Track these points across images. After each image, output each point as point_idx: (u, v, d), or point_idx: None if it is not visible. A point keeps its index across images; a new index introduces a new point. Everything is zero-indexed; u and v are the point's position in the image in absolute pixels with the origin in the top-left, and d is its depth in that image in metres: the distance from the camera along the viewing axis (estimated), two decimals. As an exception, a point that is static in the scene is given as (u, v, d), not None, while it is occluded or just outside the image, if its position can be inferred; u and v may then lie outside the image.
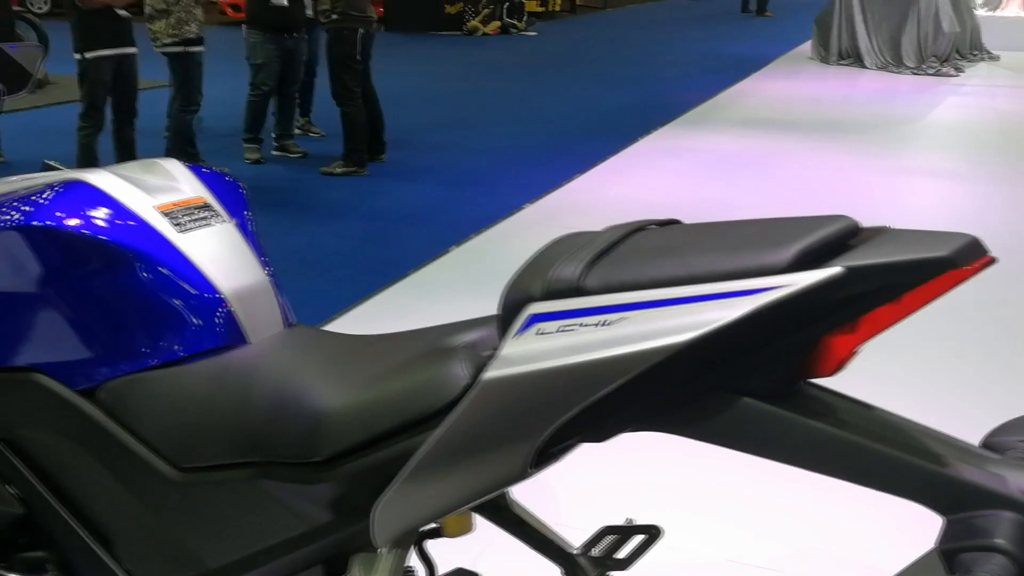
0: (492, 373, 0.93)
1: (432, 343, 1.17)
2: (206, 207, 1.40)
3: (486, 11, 18.33)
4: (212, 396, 1.25)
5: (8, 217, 1.31)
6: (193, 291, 1.31)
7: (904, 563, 0.94)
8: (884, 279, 0.87)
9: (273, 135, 7.85)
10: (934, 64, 11.97)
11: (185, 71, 6.62)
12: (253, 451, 1.18)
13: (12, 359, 1.34)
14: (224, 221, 1.41)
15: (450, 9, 18.38)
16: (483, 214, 5.89)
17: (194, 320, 1.31)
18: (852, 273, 0.86)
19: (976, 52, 13.04)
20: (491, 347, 1.15)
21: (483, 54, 14.91)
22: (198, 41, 6.61)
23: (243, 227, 1.44)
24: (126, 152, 6.28)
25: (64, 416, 1.32)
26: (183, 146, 6.78)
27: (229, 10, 18.16)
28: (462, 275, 4.89)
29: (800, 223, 0.96)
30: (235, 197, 1.48)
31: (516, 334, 0.94)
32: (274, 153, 7.77)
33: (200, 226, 1.36)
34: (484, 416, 0.96)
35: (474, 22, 18.04)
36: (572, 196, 6.43)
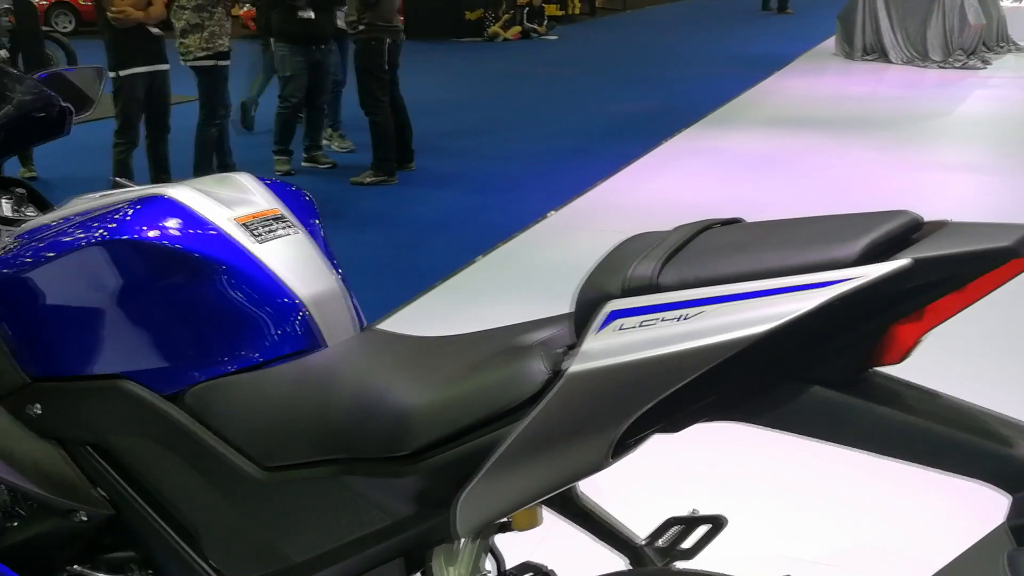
0: (578, 366, 0.98)
1: (505, 342, 1.22)
2: (280, 218, 1.45)
3: (506, 16, 18.42)
4: (295, 397, 1.30)
5: (95, 232, 1.37)
6: (273, 298, 1.37)
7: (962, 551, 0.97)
8: (950, 270, 0.91)
9: (303, 146, 7.94)
10: (960, 57, 11.92)
11: (213, 85, 6.74)
12: (336, 448, 1.23)
13: (101, 367, 1.39)
14: (297, 231, 1.46)
15: (470, 16, 18.47)
16: (513, 219, 5.94)
17: (274, 326, 1.37)
18: (919, 264, 0.90)
19: (1003, 44, 12.97)
20: (562, 344, 1.20)
21: (505, 60, 14.98)
22: (227, 55, 6.72)
23: (314, 235, 1.50)
24: (160, 167, 6.39)
25: (151, 420, 1.37)
26: (208, 159, 6.90)
27: (252, 24, 18.39)
28: (496, 280, 4.94)
29: (864, 219, 1.00)
30: (304, 207, 1.53)
31: (598, 330, 0.99)
32: (304, 165, 7.85)
33: (276, 236, 1.42)
34: (569, 408, 1.00)
35: (495, 28, 18.12)
36: (602, 199, 6.47)
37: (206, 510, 1.38)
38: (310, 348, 1.39)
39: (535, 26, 18.29)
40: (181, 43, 6.56)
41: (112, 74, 6.00)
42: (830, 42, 13.85)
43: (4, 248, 1.47)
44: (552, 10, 19.98)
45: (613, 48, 16.26)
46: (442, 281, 4.83)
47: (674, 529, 1.44)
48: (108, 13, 5.90)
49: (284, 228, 1.44)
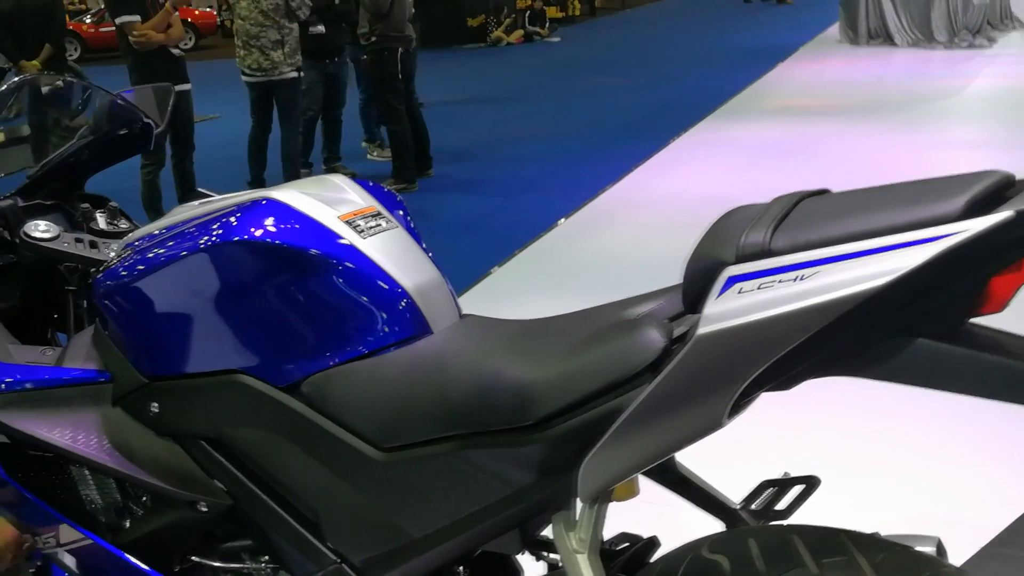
0: (705, 329, 1.04)
1: (611, 317, 1.29)
2: (378, 214, 1.53)
3: (508, 20, 18.52)
4: (412, 380, 1.37)
5: (209, 236, 1.44)
6: (381, 290, 1.44)
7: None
8: None
9: (322, 158, 8.04)
10: (966, 37, 11.96)
11: (295, 96, 6.97)
12: (457, 425, 1.30)
13: (217, 364, 1.47)
14: (395, 225, 1.54)
15: (472, 22, 18.58)
16: (537, 219, 6.01)
17: (384, 315, 1.44)
18: (1021, 216, 0.97)
19: (1007, 21, 13.00)
20: (669, 314, 1.27)
21: (511, 63, 15.07)
22: (303, 67, 6.98)
23: (409, 229, 1.57)
24: (187, 185, 6.48)
25: (269, 411, 1.44)
26: (297, 168, 7.16)
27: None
28: (528, 279, 5.01)
29: (960, 178, 1.06)
30: (394, 203, 1.60)
31: (717, 295, 1.06)
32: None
33: (377, 231, 1.49)
34: (695, 369, 1.07)
35: (498, 32, 18.22)
36: (624, 195, 6.54)
37: (325, 494, 1.44)
38: (418, 335, 1.46)
39: (537, 29, 18.38)
40: (267, 59, 6.67)
41: (137, 97, 6.09)
42: (833, 29, 13.89)
43: (115, 257, 1.55)
44: (553, 12, 20.08)
45: (616, 47, 16.34)
46: (474, 284, 4.90)
47: (768, 491, 1.50)
48: (130, 37, 5.99)
49: (383, 223, 1.51)
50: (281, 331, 1.44)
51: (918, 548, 1.21)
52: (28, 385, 1.56)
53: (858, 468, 2.84)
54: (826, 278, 1.01)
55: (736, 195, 5.70)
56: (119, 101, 1.93)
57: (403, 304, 1.45)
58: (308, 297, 1.43)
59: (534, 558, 1.64)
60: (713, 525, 1.52)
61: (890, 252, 0.99)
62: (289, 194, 1.49)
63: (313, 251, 1.42)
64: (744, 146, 7.64)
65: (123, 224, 1.86)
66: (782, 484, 1.49)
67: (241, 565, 1.62)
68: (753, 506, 1.51)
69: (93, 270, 1.82)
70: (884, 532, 1.28)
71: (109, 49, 19.33)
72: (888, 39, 12.55)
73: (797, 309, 1.00)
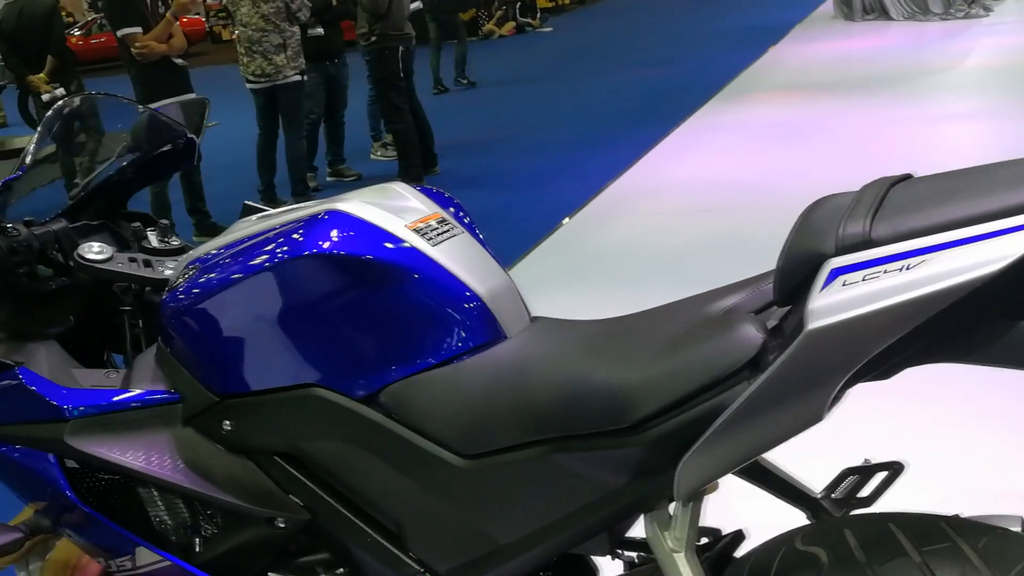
0: (815, 324, 1.03)
1: (698, 312, 1.28)
2: (443, 220, 1.51)
3: (499, 13, 18.47)
4: (494, 386, 1.35)
5: (278, 251, 1.43)
6: (455, 296, 1.43)
7: None
8: None
9: (327, 161, 8.03)
10: (962, 7, 11.93)
11: (298, 99, 6.92)
12: (544, 429, 1.29)
13: (292, 378, 1.45)
14: (461, 231, 1.52)
15: (463, 16, 18.52)
16: (549, 212, 6.00)
17: (459, 322, 1.43)
18: None
19: (1001, -11, 12.96)
20: (754, 308, 1.26)
21: (505, 56, 15.04)
22: (305, 71, 6.95)
23: (473, 234, 1.56)
24: (195, 195, 6.46)
25: (347, 423, 1.43)
26: (303, 173, 7.10)
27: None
28: (549, 274, 4.98)
29: None
30: (456, 208, 1.59)
31: (821, 288, 1.05)
32: (329, 179, 7.92)
33: (446, 238, 1.48)
34: (802, 364, 1.06)
35: (489, 25, 18.18)
36: (635, 183, 6.52)
37: (407, 504, 1.43)
38: (493, 340, 1.45)
39: (529, 20, 18.35)
40: (269, 64, 6.64)
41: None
42: (827, 6, 13.87)
43: (180, 277, 1.53)
44: (543, 2, 20.05)
45: (610, 34, 16.31)
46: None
47: (850, 479, 1.49)
48: (132, 49, 5.97)
49: (450, 229, 1.50)
50: (356, 343, 1.43)
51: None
52: (100, 410, 1.54)
53: (924, 451, 2.82)
54: (935, 266, 0.99)
55: (749, 177, 5.73)
56: (161, 117, 1.91)
57: (477, 310, 1.44)
58: (382, 308, 1.41)
59: (610, 557, 1.63)
60: (787, 517, 1.50)
61: (1001, 237, 0.98)
62: (354, 205, 1.47)
63: (385, 261, 1.40)
64: (750, 128, 7.63)
65: (175, 241, 1.84)
66: (865, 471, 1.48)
67: (315, 579, 1.62)
68: (835, 495, 1.50)
69: (148, 289, 1.81)
70: (964, 514, 1.27)
71: (98, 62, 19.41)
72: (883, 13, 12.53)
73: (908, 299, 0.99)
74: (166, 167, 1.97)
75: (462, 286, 1.43)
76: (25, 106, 11.85)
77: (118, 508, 1.62)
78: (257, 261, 1.44)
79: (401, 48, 7.26)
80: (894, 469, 1.45)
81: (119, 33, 5.99)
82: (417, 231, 1.45)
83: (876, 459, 1.49)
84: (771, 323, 1.21)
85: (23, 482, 1.66)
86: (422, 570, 1.46)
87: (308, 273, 1.41)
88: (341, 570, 1.60)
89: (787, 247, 1.14)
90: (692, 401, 1.18)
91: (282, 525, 1.51)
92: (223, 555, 1.56)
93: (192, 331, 1.50)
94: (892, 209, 1.07)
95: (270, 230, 1.49)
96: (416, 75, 7.59)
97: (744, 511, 1.68)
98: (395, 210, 1.48)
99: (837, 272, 1.04)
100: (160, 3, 6.20)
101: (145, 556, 1.59)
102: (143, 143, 1.91)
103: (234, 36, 7.08)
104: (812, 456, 1.65)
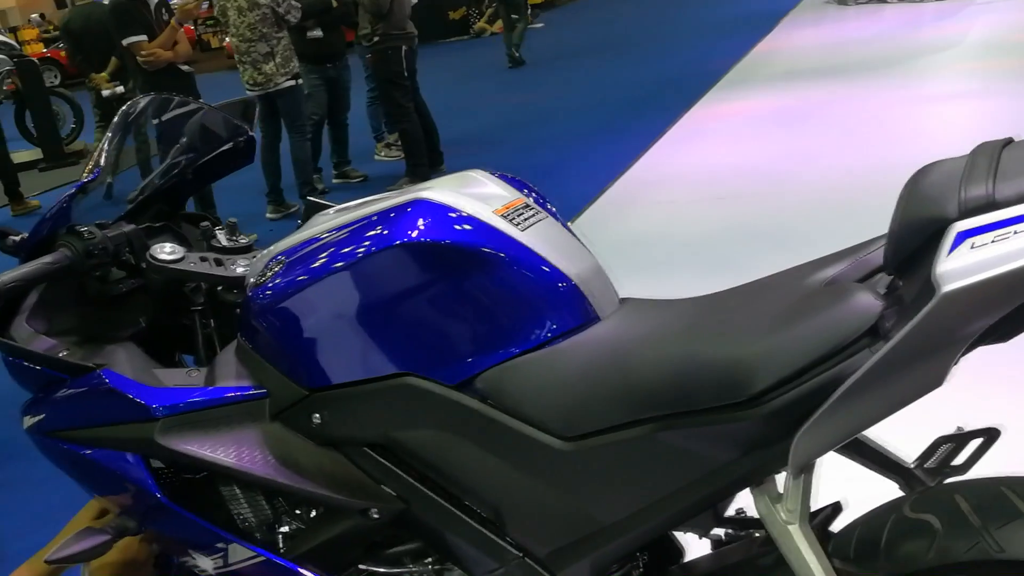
0: (950, 286, 1.03)
1: (801, 284, 1.28)
2: (528, 206, 1.51)
3: (490, 10, 18.45)
4: (594, 368, 1.35)
5: (368, 241, 1.42)
6: (547, 280, 1.43)
7: None
8: None
9: (332, 163, 8.02)
10: (955, -13, 11.94)
11: (297, 103, 6.91)
12: (650, 407, 1.28)
13: (385, 368, 1.45)
14: (546, 215, 1.52)
15: (454, 15, 18.53)
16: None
17: (552, 305, 1.43)
18: None
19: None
20: (856, 278, 1.26)
21: (499, 53, 15.00)
22: (300, 75, 6.95)
23: (557, 218, 1.56)
24: (206, 201, 6.44)
25: (443, 411, 1.43)
26: (310, 174, 7.10)
27: (238, 53, 18.42)
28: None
29: None
30: (537, 193, 1.59)
31: (949, 252, 1.05)
32: (335, 181, 7.92)
33: (533, 222, 1.48)
34: (932, 328, 1.06)
35: (480, 23, 18.17)
36: (645, 174, 6.52)
37: (506, 489, 1.43)
38: (587, 322, 1.45)
39: (516, 16, 18.30)
40: (259, 73, 6.63)
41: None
42: (819, -9, 13.89)
43: (264, 272, 1.53)
44: (533, -1, 20.02)
45: (603, 28, 16.30)
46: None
47: (944, 448, 1.50)
48: (138, 57, 5.96)
49: (536, 214, 1.50)
50: (450, 330, 1.42)
51: None
52: (188, 408, 1.54)
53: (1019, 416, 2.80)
54: None
55: (759, 164, 5.74)
56: (223, 115, 1.91)
57: (570, 293, 1.44)
58: (476, 294, 1.41)
59: (698, 536, 1.64)
60: (876, 488, 1.50)
61: None
62: (440, 193, 1.47)
63: (477, 247, 1.40)
64: (754, 115, 7.64)
65: (243, 239, 1.84)
66: (959, 439, 1.48)
67: (405, 569, 1.61)
68: (928, 464, 1.50)
69: (220, 288, 1.81)
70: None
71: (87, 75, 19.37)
72: (877, -4, 12.56)
73: None
74: (224, 167, 1.96)
75: (554, 269, 1.43)
76: (22, 120, 11.84)
77: (206, 506, 1.62)
78: (348, 252, 1.44)
79: (404, 47, 7.25)
80: (989, 435, 1.45)
81: (124, 42, 5.99)
82: (505, 216, 1.46)
83: (969, 426, 1.49)
84: (879, 291, 1.21)
85: (107, 484, 1.66)
86: (521, 555, 1.46)
87: (400, 263, 1.41)
88: (429, 560, 1.60)
89: (900, 215, 1.14)
90: (811, 372, 1.18)
91: (376, 516, 1.51)
92: (316, 548, 1.56)
93: (280, 325, 1.49)
94: (1011, 171, 1.08)
95: (356, 221, 1.48)
96: (419, 73, 7.58)
97: (829, 484, 1.69)
98: (481, 197, 1.48)
99: (964, 235, 1.04)
100: (164, 10, 6.20)
101: (237, 553, 1.58)
102: (205, 142, 1.90)
103: (226, 43, 7.11)
104: (901, 427, 1.65)
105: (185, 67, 6.23)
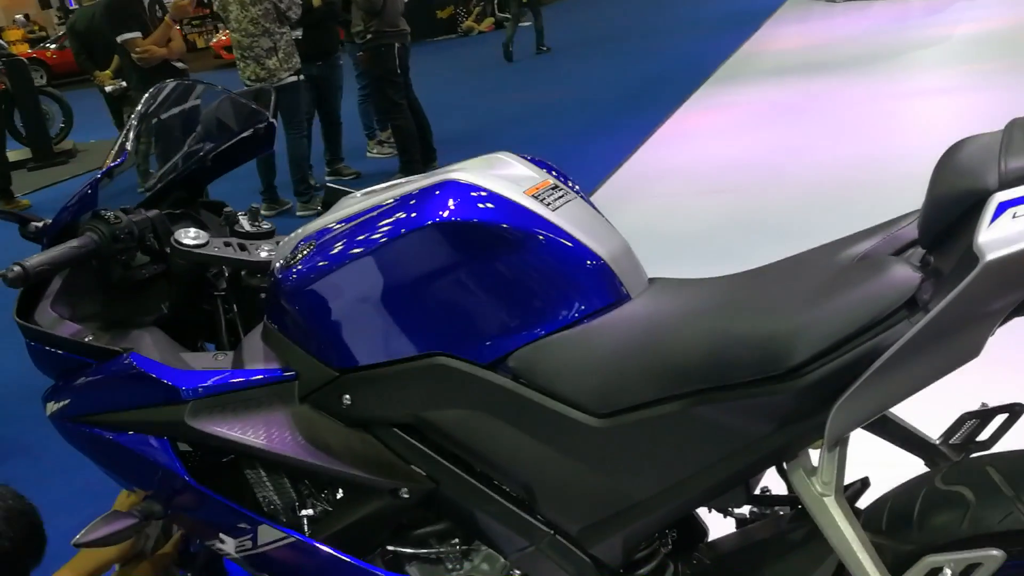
0: (994, 254, 1.04)
1: (836, 259, 1.30)
2: (556, 187, 1.52)
3: (477, 9, 18.48)
4: (628, 344, 1.36)
5: (400, 222, 1.43)
6: (578, 259, 1.44)
7: None
8: None
9: (325, 160, 8.00)
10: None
11: (297, 100, 6.88)
12: (686, 383, 1.30)
13: (417, 348, 1.46)
14: (574, 196, 1.54)
15: (441, 14, 18.52)
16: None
17: (585, 284, 1.44)
18: None
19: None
20: (889, 252, 1.28)
21: (488, 52, 15.02)
22: (302, 71, 6.91)
23: (585, 199, 1.57)
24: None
25: (474, 390, 1.44)
26: (305, 171, 7.05)
27: (224, 52, 18.36)
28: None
29: None
30: (561, 175, 1.60)
31: (990, 222, 1.06)
32: (327, 179, 7.90)
33: (563, 203, 1.49)
34: (974, 298, 1.07)
35: (468, 22, 18.18)
36: (641, 169, 6.53)
37: (538, 466, 1.44)
38: (618, 301, 1.46)
39: (508, 15, 18.31)
40: (261, 68, 6.60)
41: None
42: (807, -12, 13.94)
43: (294, 255, 1.53)
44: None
45: (592, 25, 16.32)
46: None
47: (968, 424, 1.52)
48: (133, 54, 5.94)
49: (564, 194, 1.51)
50: (482, 310, 1.43)
51: None
52: (218, 390, 1.54)
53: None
54: None
55: (753, 158, 5.76)
56: (244, 101, 1.91)
57: (601, 272, 1.45)
58: (508, 274, 1.42)
59: (723, 516, 1.65)
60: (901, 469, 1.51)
61: None
62: (470, 174, 1.48)
63: (510, 227, 1.41)
64: (747, 109, 7.67)
65: (266, 225, 1.84)
66: (984, 415, 1.50)
67: (432, 550, 1.62)
68: (953, 440, 1.52)
69: (244, 273, 1.81)
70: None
71: (73, 75, 19.31)
72: (864, -8, 12.62)
73: None
74: (244, 153, 1.96)
75: (585, 249, 1.44)
76: (11, 119, 11.77)
77: (232, 489, 1.63)
78: (379, 234, 1.44)
79: (397, 44, 7.24)
80: (1014, 411, 1.47)
81: (119, 39, 5.96)
82: (535, 197, 1.47)
83: (993, 403, 1.51)
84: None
85: (133, 468, 1.66)
86: (552, 532, 1.48)
87: (432, 243, 1.42)
88: (456, 540, 1.61)
89: (935, 188, 1.16)
90: (848, 344, 1.20)
91: (405, 496, 1.52)
92: (346, 529, 1.57)
93: (310, 307, 1.50)
94: None
95: (385, 203, 1.49)
96: (411, 70, 7.57)
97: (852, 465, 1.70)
98: (510, 178, 1.49)
99: (1006, 205, 1.06)
100: (157, 7, 6.18)
101: (266, 534, 1.59)
102: (225, 129, 1.90)
103: (212, 43, 7.07)
104: (924, 405, 1.66)
105: (179, 64, 6.21)
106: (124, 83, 6.76)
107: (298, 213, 6.94)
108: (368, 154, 8.59)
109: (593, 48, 13.36)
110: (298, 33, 7.34)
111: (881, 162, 5.51)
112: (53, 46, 21.59)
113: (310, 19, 7.42)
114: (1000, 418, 1.49)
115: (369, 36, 7.22)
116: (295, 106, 6.92)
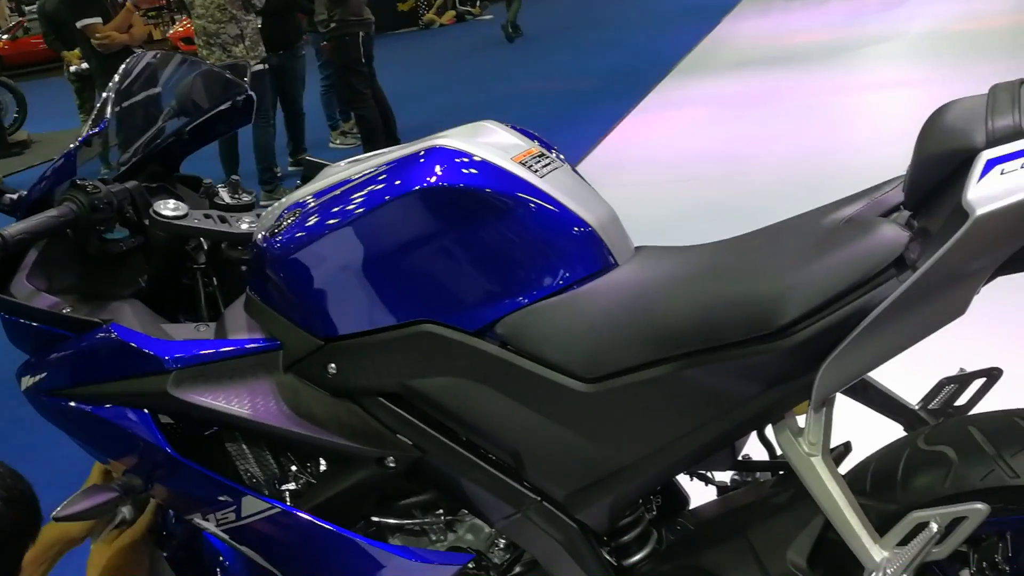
0: (984, 209, 1.07)
1: (818, 224, 1.32)
2: (543, 155, 1.53)
3: (439, 2, 18.40)
4: (618, 309, 1.37)
5: (387, 189, 1.42)
6: (567, 226, 1.44)
7: None
8: None
9: (288, 151, 7.94)
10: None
11: (262, 89, 6.79)
12: (676, 345, 1.30)
13: (403, 315, 1.45)
14: (561, 164, 1.54)
15: (402, 7, 18.42)
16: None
17: (574, 251, 1.44)
18: None
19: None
20: (882, 210, 1.30)
21: (449, 44, 14.99)
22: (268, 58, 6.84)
23: (571, 167, 1.57)
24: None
25: (462, 357, 1.43)
26: (272, 159, 7.00)
27: (181, 44, 18.11)
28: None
29: None
30: (546, 144, 1.61)
31: (979, 179, 1.09)
32: (291, 169, 7.83)
33: (550, 170, 1.49)
34: (964, 253, 1.09)
35: (430, 15, 18.10)
36: (606, 159, 6.56)
37: (525, 433, 1.44)
38: (606, 268, 1.46)
39: (469, 8, 18.31)
40: (229, 55, 6.50)
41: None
42: (766, -17, 14.06)
43: (278, 223, 1.52)
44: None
45: (553, 19, 16.29)
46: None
47: (947, 389, 1.55)
48: (93, 40, 5.86)
49: (551, 162, 1.52)
50: (470, 276, 1.43)
51: None
52: (201, 360, 1.53)
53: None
54: None
55: (718, 148, 5.81)
56: (221, 73, 1.89)
57: (589, 238, 1.46)
58: (497, 240, 1.42)
59: (704, 484, 1.67)
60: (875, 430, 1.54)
61: None
62: (458, 140, 1.48)
63: (498, 193, 1.41)
64: (710, 101, 7.73)
65: (245, 197, 1.83)
66: (962, 380, 1.53)
67: (416, 521, 1.62)
68: (932, 405, 1.55)
69: (225, 245, 1.79)
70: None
71: (26, 65, 18.99)
72: (822, -12, 12.75)
73: None
74: (221, 128, 1.94)
75: (573, 216, 1.45)
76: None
77: (218, 460, 1.61)
78: (365, 200, 1.43)
79: (361, 33, 7.20)
80: (991, 375, 1.50)
81: (79, 24, 5.88)
82: (523, 164, 1.47)
83: (970, 368, 1.55)
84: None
85: (112, 442, 1.64)
86: (539, 498, 1.48)
87: (420, 208, 1.41)
88: (440, 511, 1.62)
89: (923, 149, 1.18)
90: (838, 303, 1.21)
91: (392, 465, 1.52)
92: (332, 499, 1.56)
93: (295, 276, 1.49)
94: None
95: (372, 170, 1.48)
96: (376, 59, 7.53)
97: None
98: (498, 145, 1.50)
99: (994, 162, 1.08)
100: (118, -7, 6.11)
101: (250, 506, 1.57)
102: (204, 101, 1.88)
103: (169, 34, 6.98)
104: (900, 372, 1.68)
105: (140, 51, 6.12)
106: (87, 64, 6.70)
107: (262, 203, 6.88)
108: (331, 144, 8.53)
109: (554, 39, 13.38)
110: (256, 23, 7.26)
111: (842, 151, 5.60)
112: (5, 36, 21.16)
113: (272, 6, 7.34)
114: (978, 382, 1.52)
115: (333, 25, 7.17)
116: (261, 95, 6.83)
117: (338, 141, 8.58)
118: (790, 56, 9.04)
